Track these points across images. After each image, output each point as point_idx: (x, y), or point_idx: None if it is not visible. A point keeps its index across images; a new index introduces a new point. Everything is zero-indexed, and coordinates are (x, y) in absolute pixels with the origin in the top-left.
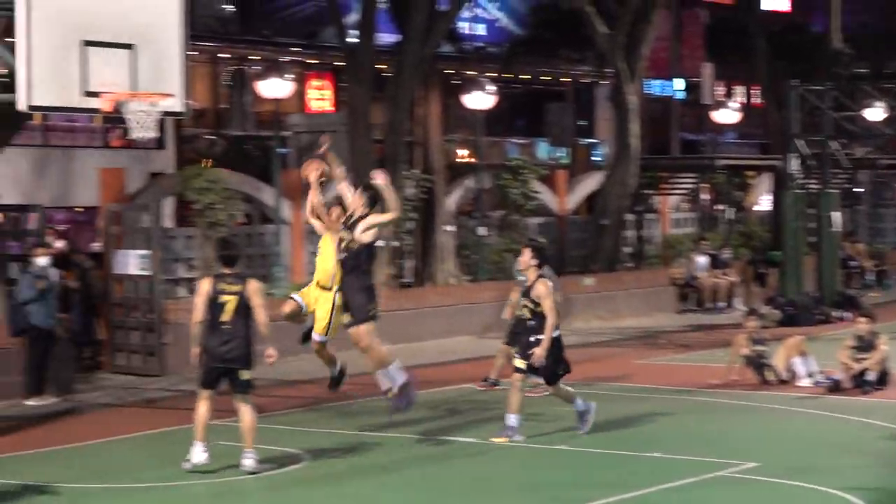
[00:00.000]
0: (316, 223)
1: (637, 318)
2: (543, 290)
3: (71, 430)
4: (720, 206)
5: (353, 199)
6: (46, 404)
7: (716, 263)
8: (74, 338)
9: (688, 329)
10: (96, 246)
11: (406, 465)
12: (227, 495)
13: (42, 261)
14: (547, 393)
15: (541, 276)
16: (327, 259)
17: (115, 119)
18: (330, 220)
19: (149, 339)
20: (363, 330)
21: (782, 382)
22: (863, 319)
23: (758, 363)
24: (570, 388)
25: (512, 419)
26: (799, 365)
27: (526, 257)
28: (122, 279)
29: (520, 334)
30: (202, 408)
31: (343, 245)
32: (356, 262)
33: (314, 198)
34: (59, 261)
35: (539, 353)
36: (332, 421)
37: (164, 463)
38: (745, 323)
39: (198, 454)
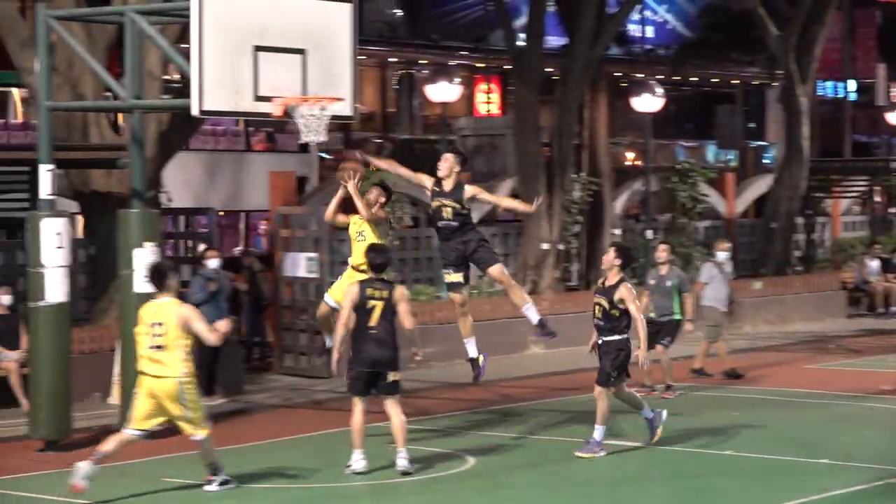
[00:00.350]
0: (363, 211)
1: (806, 322)
2: (627, 293)
3: (239, 431)
4: (893, 210)
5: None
6: (215, 405)
7: (888, 268)
8: (244, 339)
9: (858, 334)
10: (237, 250)
11: (570, 467)
12: (386, 495)
13: (213, 263)
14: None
15: (622, 279)
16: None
17: (258, 122)
18: (371, 209)
19: (317, 341)
20: (500, 269)
21: None
22: None
23: None
24: (635, 394)
25: (598, 432)
26: None
27: (610, 256)
28: (291, 282)
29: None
30: (357, 415)
31: (450, 211)
32: (465, 220)
33: (356, 198)
34: (229, 263)
35: (641, 354)
36: (496, 424)
37: (327, 463)
38: None
39: (357, 461)
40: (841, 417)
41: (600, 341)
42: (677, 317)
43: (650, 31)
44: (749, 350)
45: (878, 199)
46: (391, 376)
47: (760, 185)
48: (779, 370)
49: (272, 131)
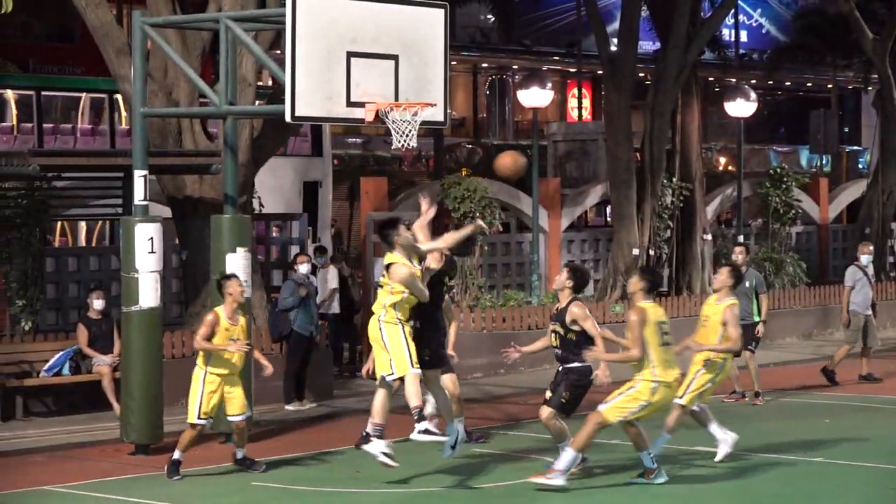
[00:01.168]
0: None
1: None
2: (578, 312)
3: (329, 435)
4: None
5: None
6: (305, 409)
7: None
8: (334, 344)
9: None
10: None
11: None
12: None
13: (304, 268)
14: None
15: (573, 299)
16: None
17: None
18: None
19: None
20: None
21: None
22: None
23: None
24: (565, 428)
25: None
26: None
27: (562, 277)
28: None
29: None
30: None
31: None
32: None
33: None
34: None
35: (602, 374)
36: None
37: (413, 467)
38: None
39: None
40: None
41: (560, 368)
42: (756, 318)
43: (744, 36)
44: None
45: None
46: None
47: (854, 191)
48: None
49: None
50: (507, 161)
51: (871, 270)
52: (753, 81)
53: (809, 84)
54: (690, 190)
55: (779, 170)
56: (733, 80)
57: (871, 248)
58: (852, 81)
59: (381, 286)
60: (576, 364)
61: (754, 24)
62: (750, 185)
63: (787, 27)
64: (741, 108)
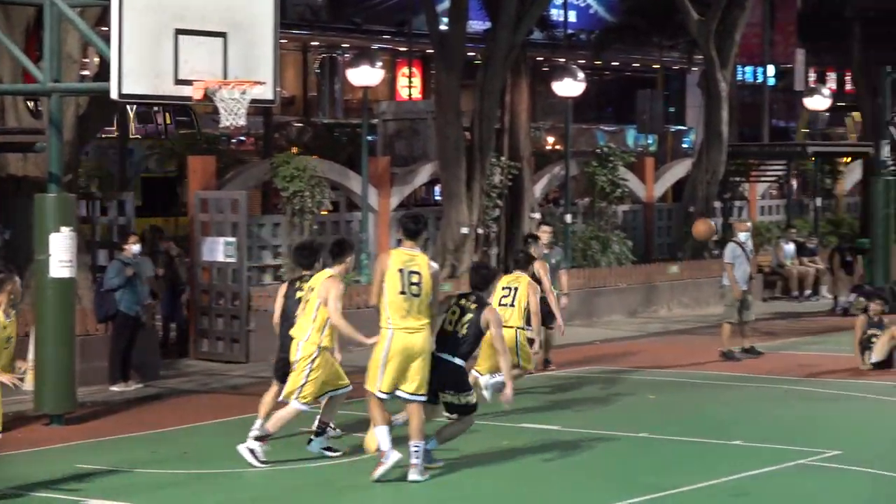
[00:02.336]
0: None
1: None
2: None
3: (155, 416)
4: (810, 195)
5: None
6: (131, 390)
7: (803, 251)
8: (160, 324)
9: (774, 317)
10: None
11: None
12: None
13: (135, 248)
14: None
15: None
16: None
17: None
18: None
19: (234, 326)
20: None
21: (877, 367)
22: None
23: (867, 346)
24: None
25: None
26: None
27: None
28: (209, 266)
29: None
30: (269, 394)
31: None
32: None
33: None
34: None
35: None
36: None
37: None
38: (870, 305)
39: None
40: (755, 399)
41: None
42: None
43: (573, 16)
44: (664, 333)
45: (794, 183)
46: None
47: (679, 170)
48: (693, 353)
49: None
50: (703, 228)
51: (749, 246)
52: (581, 62)
53: (636, 64)
54: (519, 169)
55: (605, 149)
56: (562, 60)
57: (749, 224)
58: (678, 62)
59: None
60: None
61: (582, 5)
62: (577, 164)
63: (615, 8)
64: (569, 87)
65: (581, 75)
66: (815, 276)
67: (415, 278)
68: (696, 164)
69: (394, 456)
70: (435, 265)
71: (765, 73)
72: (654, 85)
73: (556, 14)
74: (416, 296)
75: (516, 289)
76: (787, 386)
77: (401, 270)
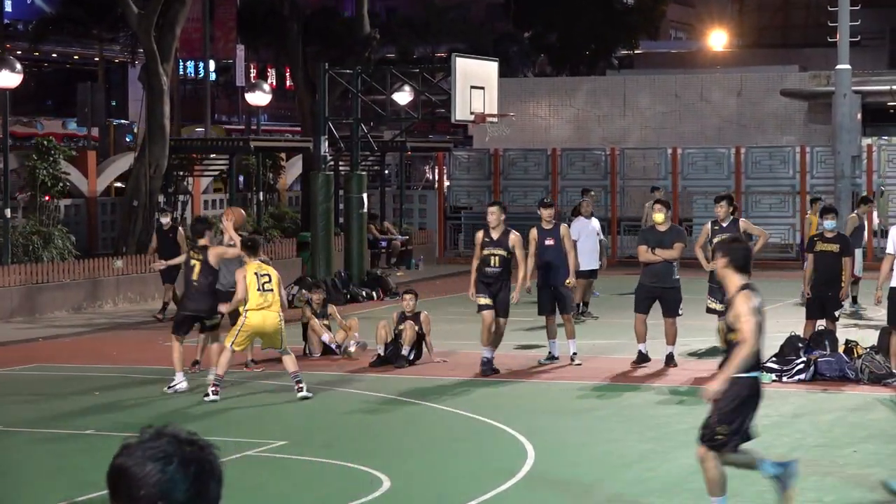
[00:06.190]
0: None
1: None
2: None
3: None
4: (254, 189)
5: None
6: None
7: None
8: None
9: None
10: None
11: None
12: None
13: None
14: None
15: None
16: None
17: None
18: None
19: None
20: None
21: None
22: (407, 297)
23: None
24: None
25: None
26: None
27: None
28: None
29: None
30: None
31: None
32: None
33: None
34: None
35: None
36: None
37: None
38: (312, 296)
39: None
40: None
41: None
42: None
43: (9, 5)
44: (111, 328)
45: (239, 177)
46: (211, 321)
47: (122, 164)
48: (137, 348)
49: None
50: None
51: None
52: (19, 52)
53: (77, 56)
54: None
55: (46, 142)
56: None
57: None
58: (119, 55)
59: None
60: None
61: None
62: (17, 157)
63: None
64: (6, 78)
65: (18, 66)
66: None
67: None
68: (139, 158)
69: None
70: None
71: (206, 67)
72: (96, 77)
73: None
74: None
75: None
76: (234, 378)
77: None
